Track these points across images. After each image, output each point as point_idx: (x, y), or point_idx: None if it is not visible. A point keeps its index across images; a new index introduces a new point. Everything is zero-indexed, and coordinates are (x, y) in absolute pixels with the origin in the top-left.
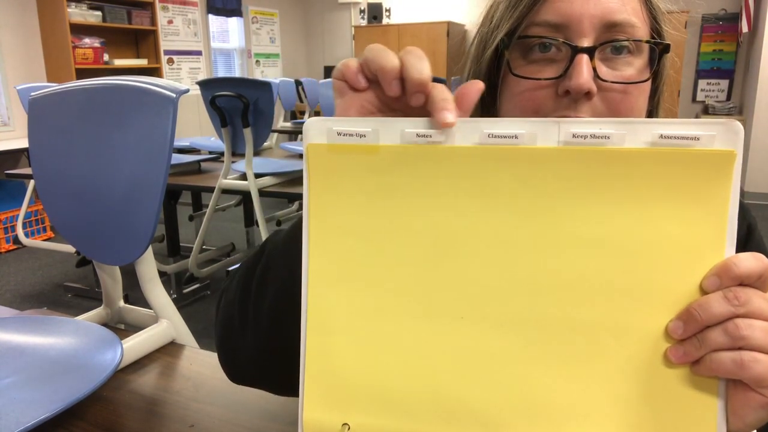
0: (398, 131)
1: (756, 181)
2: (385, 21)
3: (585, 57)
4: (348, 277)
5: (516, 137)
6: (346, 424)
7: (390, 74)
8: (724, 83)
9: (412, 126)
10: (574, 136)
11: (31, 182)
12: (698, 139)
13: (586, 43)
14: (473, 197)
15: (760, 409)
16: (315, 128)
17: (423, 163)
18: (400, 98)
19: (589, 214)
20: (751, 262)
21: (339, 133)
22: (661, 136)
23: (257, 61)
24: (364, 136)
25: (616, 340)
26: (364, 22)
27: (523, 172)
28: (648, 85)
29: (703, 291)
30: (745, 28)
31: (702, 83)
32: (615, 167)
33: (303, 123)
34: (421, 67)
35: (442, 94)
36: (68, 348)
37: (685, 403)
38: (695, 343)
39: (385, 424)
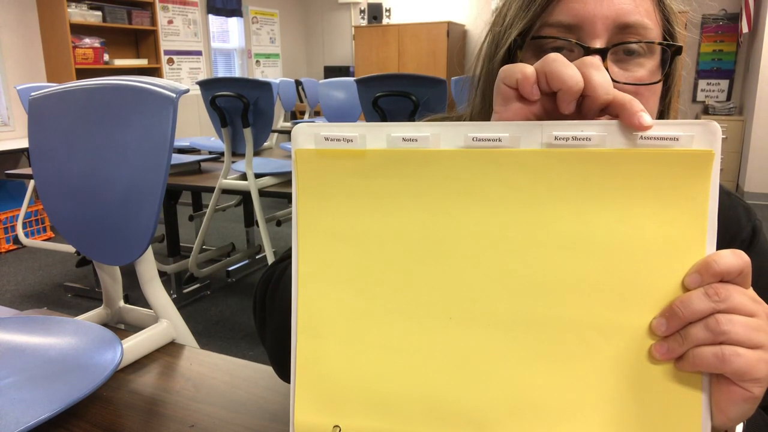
0: (384, 136)
1: (756, 181)
2: (385, 21)
3: (597, 58)
4: (337, 280)
5: (499, 140)
6: (337, 426)
7: (574, 95)
8: (724, 83)
9: (397, 131)
10: (556, 138)
11: (31, 182)
12: (677, 139)
13: (598, 44)
14: (459, 200)
15: (743, 403)
16: (303, 134)
17: (409, 166)
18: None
19: (572, 214)
20: (730, 258)
21: (326, 138)
22: (641, 137)
23: (257, 61)
24: (351, 140)
25: (602, 338)
26: (364, 22)
27: (507, 175)
28: (659, 86)
29: (685, 288)
30: (745, 28)
31: (702, 83)
32: (596, 168)
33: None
34: (608, 85)
35: (626, 96)
36: (68, 348)
37: (670, 398)
38: (678, 339)
39: (375, 425)
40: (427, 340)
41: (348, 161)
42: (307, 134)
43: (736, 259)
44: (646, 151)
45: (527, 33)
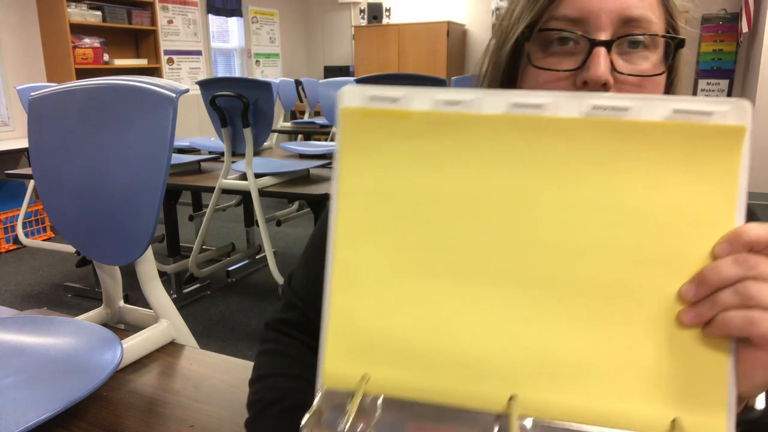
0: (429, 98)
1: (756, 181)
2: (385, 21)
3: (603, 50)
4: (374, 237)
5: (540, 107)
6: (365, 375)
7: None
8: (724, 83)
9: (442, 94)
10: (594, 108)
11: (31, 182)
12: (711, 114)
13: (603, 36)
14: (498, 163)
15: None
16: (350, 93)
17: (451, 128)
18: None
19: (607, 181)
20: (760, 230)
21: (372, 98)
22: (676, 110)
23: (257, 61)
24: (397, 100)
25: (632, 302)
26: (364, 22)
27: (545, 140)
28: (663, 78)
29: (715, 257)
30: (745, 28)
31: (702, 83)
32: (632, 137)
33: (302, 123)
34: None
35: None
36: (68, 348)
37: (697, 364)
38: (707, 304)
39: (403, 376)
40: (459, 297)
41: (392, 121)
42: (354, 93)
43: (765, 230)
44: (680, 124)
45: (534, 26)
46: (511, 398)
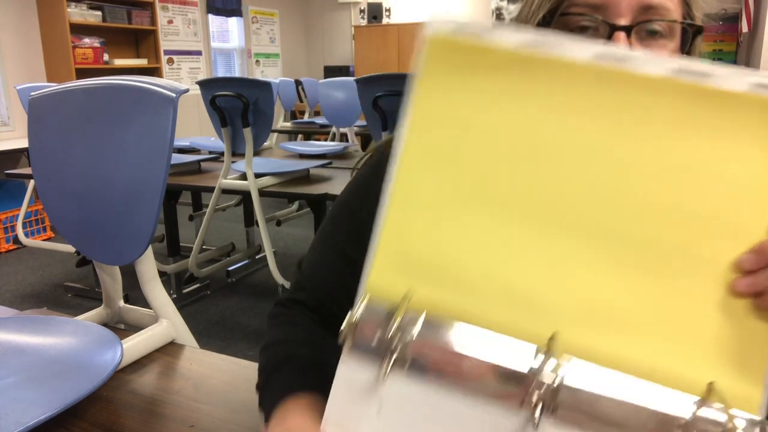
0: (515, 36)
1: None
2: (385, 21)
3: (623, 34)
4: (438, 165)
5: (624, 60)
6: (409, 291)
7: None
8: None
9: (529, 34)
10: (678, 70)
11: (31, 182)
12: None
13: (623, 22)
14: (573, 110)
15: None
16: (435, 23)
17: (533, 70)
18: None
19: (680, 143)
20: None
21: (457, 30)
22: (757, 84)
23: (257, 61)
24: (481, 35)
25: (688, 265)
26: (364, 22)
27: (625, 95)
28: None
29: None
30: (745, 28)
31: None
32: (710, 104)
33: (302, 123)
34: None
35: None
36: (68, 348)
37: (742, 332)
38: (764, 274)
39: (447, 298)
40: (512, 232)
41: (474, 55)
42: (439, 24)
43: None
44: (760, 98)
45: (555, 12)
46: (552, 336)
